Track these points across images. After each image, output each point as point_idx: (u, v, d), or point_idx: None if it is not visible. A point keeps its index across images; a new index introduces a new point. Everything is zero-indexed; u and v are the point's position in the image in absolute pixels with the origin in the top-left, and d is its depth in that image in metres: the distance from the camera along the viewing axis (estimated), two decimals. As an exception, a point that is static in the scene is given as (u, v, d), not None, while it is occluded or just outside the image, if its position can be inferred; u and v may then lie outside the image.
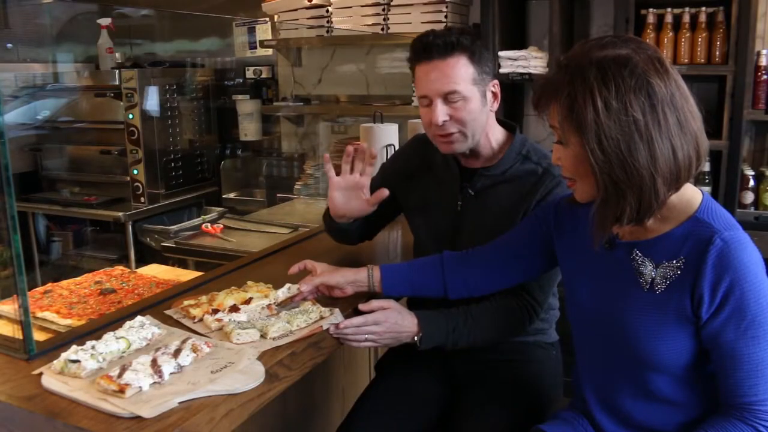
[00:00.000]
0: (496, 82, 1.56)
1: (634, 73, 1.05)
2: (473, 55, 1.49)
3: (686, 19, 2.51)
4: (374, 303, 1.45)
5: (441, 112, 1.49)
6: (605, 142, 1.06)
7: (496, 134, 1.60)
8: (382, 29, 3.00)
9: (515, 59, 2.78)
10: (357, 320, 1.40)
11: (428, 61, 1.49)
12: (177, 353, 1.18)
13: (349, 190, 1.64)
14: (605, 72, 1.06)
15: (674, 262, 1.12)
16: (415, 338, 1.45)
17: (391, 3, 2.97)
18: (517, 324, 1.53)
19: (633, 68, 1.06)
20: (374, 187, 1.85)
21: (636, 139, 1.05)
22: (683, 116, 1.07)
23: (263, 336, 1.30)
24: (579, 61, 1.09)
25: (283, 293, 1.47)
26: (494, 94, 1.56)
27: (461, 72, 1.48)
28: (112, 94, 3.42)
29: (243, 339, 1.28)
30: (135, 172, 3.34)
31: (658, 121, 1.05)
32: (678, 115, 1.07)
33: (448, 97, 1.49)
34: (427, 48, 1.48)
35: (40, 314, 1.60)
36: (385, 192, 1.62)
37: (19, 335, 1.23)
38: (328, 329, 1.38)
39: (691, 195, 1.14)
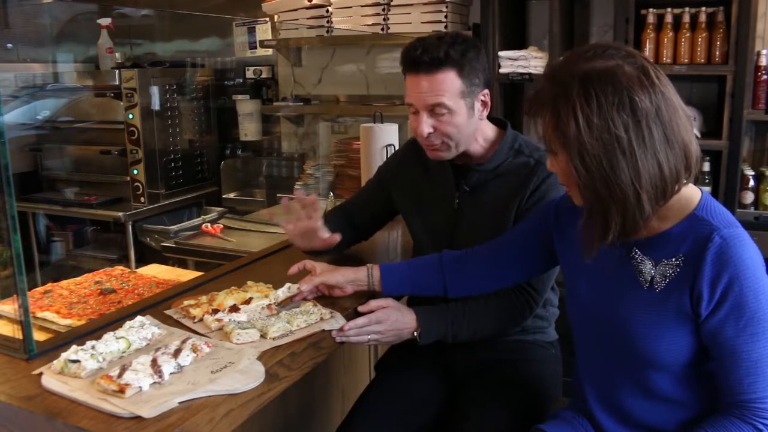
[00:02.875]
0: (486, 91, 1.55)
1: (617, 90, 1.04)
2: (462, 69, 1.48)
3: (686, 19, 2.51)
4: (373, 303, 1.45)
5: (426, 124, 1.50)
6: (588, 159, 1.06)
7: (487, 133, 1.61)
8: (382, 29, 3.00)
9: (515, 59, 2.78)
10: (360, 321, 1.41)
11: (415, 73, 1.50)
12: (177, 353, 1.18)
13: (306, 234, 1.65)
14: (588, 89, 1.05)
15: (673, 259, 1.12)
16: (415, 333, 1.47)
17: (391, 3, 2.97)
18: (517, 315, 1.53)
19: (616, 84, 1.04)
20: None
21: (619, 156, 1.05)
22: (670, 129, 1.06)
23: (263, 336, 1.30)
24: (563, 76, 1.08)
25: (283, 293, 1.47)
26: (483, 103, 1.56)
27: (447, 86, 1.48)
28: (112, 94, 3.42)
29: (243, 339, 1.28)
30: (135, 172, 3.34)
31: (643, 136, 1.05)
32: (665, 129, 1.06)
33: (434, 110, 1.49)
34: (415, 62, 1.48)
35: (40, 314, 1.60)
36: (336, 237, 1.64)
37: (19, 335, 1.23)
38: (331, 332, 1.38)
39: (690, 193, 1.14)
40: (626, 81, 1.05)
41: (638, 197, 1.06)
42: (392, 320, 1.44)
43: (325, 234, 1.63)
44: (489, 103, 1.57)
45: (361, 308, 1.45)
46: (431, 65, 1.47)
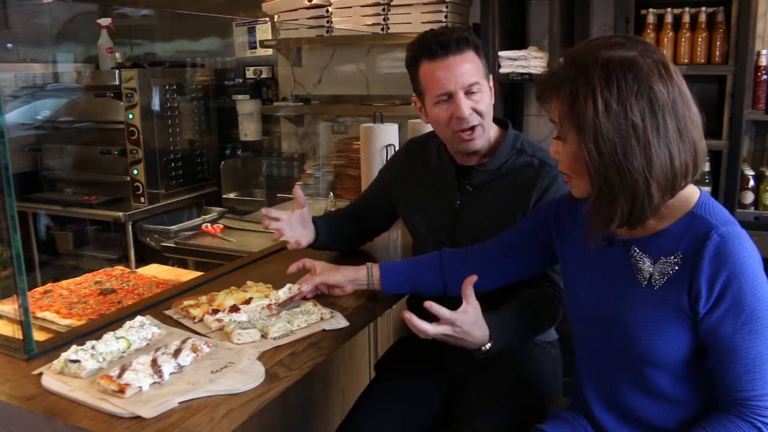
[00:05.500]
0: (491, 76, 1.61)
1: (638, 77, 1.06)
2: (478, 50, 1.54)
3: (686, 19, 2.51)
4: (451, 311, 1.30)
5: (466, 104, 1.52)
6: (602, 144, 1.06)
7: (490, 132, 1.62)
8: (382, 29, 3.00)
9: (515, 59, 2.78)
10: (441, 329, 1.29)
11: (445, 57, 1.51)
12: (177, 353, 1.18)
13: (295, 225, 1.67)
14: (609, 73, 1.06)
15: (672, 257, 1.12)
16: (483, 348, 1.35)
17: (391, 3, 2.97)
18: (554, 315, 1.51)
19: (637, 72, 1.06)
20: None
21: (633, 143, 1.05)
22: (683, 123, 1.08)
23: (264, 336, 1.30)
24: (585, 59, 1.09)
25: (284, 293, 1.47)
26: (491, 88, 1.60)
27: (475, 65, 1.53)
28: (112, 94, 3.42)
29: (244, 339, 1.28)
30: (135, 172, 3.34)
31: (657, 126, 1.06)
32: (678, 122, 1.07)
33: (470, 89, 1.52)
34: (445, 44, 1.50)
35: (40, 314, 1.60)
36: (301, 242, 1.67)
37: (19, 335, 1.23)
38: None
39: (689, 192, 1.14)
40: (646, 70, 1.06)
41: (648, 186, 1.07)
42: (463, 331, 1.31)
43: (291, 238, 1.64)
44: (493, 91, 1.61)
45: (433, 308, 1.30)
46: (459, 43, 1.50)
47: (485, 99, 1.55)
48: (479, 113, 1.54)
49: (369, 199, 1.88)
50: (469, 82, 1.51)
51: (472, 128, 1.54)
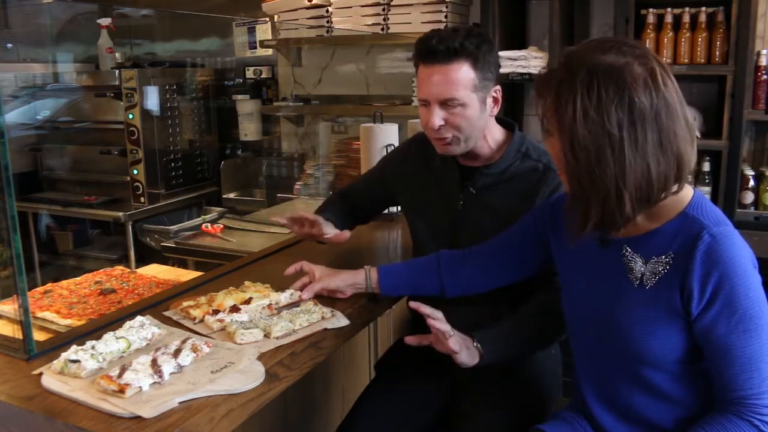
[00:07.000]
0: (498, 87, 1.55)
1: (620, 87, 1.05)
2: (476, 62, 1.48)
3: (686, 19, 2.51)
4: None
5: (437, 116, 1.50)
6: (577, 149, 1.07)
7: (495, 134, 1.61)
8: (382, 29, 3.00)
9: (515, 59, 2.78)
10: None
11: (430, 64, 1.48)
12: (177, 353, 1.18)
13: (312, 236, 1.72)
14: (591, 80, 1.06)
15: (663, 257, 1.12)
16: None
17: (391, 3, 2.97)
18: (559, 327, 1.47)
19: (620, 82, 1.05)
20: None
21: (607, 152, 1.05)
22: (666, 135, 1.06)
23: (266, 335, 1.30)
24: (574, 62, 1.09)
25: (285, 299, 1.47)
26: (495, 99, 1.56)
27: (462, 78, 1.47)
28: (112, 94, 3.42)
29: (247, 339, 1.28)
30: (135, 172, 3.34)
31: (636, 138, 1.05)
32: (660, 135, 1.06)
33: (446, 103, 1.49)
34: (430, 52, 1.47)
35: (40, 314, 1.60)
36: (345, 234, 1.70)
37: (19, 335, 1.23)
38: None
39: (682, 192, 1.14)
40: (631, 80, 1.05)
41: (620, 195, 1.07)
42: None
43: (331, 233, 1.68)
44: (500, 100, 1.57)
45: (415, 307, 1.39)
46: (447, 54, 1.46)
47: (467, 113, 1.49)
48: (455, 127, 1.50)
49: (366, 189, 1.90)
50: (444, 97, 1.48)
51: (445, 137, 1.53)
